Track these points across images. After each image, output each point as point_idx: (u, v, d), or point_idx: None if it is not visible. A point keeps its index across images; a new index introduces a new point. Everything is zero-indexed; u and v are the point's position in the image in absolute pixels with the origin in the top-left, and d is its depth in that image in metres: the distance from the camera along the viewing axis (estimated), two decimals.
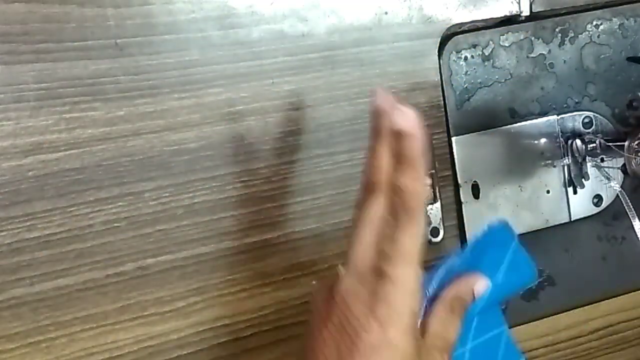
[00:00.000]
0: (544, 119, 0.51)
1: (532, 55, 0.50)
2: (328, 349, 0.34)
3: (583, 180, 0.51)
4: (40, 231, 0.41)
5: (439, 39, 0.47)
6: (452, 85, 0.49)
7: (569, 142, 0.51)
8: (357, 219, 0.34)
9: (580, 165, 0.51)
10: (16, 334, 0.42)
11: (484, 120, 0.50)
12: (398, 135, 0.34)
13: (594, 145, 0.50)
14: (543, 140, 0.51)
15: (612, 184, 0.50)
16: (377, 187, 0.34)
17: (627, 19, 0.51)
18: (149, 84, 0.42)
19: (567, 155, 0.51)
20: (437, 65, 0.48)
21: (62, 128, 0.41)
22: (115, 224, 0.43)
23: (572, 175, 0.51)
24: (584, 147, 0.50)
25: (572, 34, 0.50)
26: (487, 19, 0.48)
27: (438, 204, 0.49)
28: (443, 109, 0.48)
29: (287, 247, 0.47)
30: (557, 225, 0.52)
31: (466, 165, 0.50)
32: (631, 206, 0.49)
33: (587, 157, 0.50)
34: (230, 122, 0.44)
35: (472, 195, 0.50)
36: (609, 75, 0.52)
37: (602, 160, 0.51)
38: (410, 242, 0.33)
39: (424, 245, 0.33)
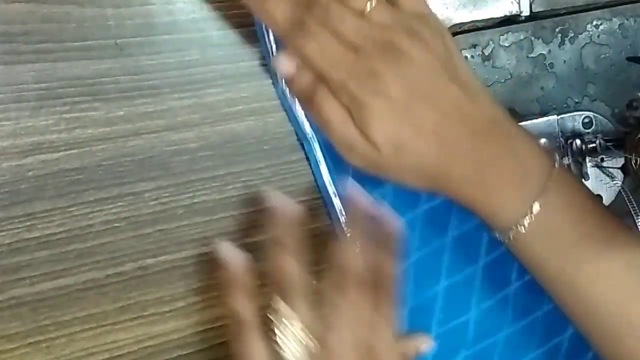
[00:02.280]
0: (544, 119, 0.51)
1: (532, 55, 0.50)
2: None
3: (583, 180, 0.51)
4: (40, 231, 0.41)
5: None
6: None
7: (569, 142, 0.51)
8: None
9: (580, 165, 0.50)
10: (16, 334, 0.42)
11: None
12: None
13: (594, 145, 0.50)
14: (543, 140, 0.51)
15: (615, 181, 0.50)
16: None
17: (627, 19, 0.51)
18: (149, 84, 0.42)
19: (568, 155, 0.51)
20: None
21: (62, 128, 0.41)
22: (115, 224, 0.43)
23: None
24: (584, 147, 0.50)
25: (572, 34, 0.50)
26: (487, 19, 0.48)
27: None
28: None
29: None
30: None
31: None
32: (634, 203, 0.49)
33: (587, 157, 0.50)
34: (230, 122, 0.44)
35: None
36: (609, 75, 0.52)
37: (602, 160, 0.51)
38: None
39: None
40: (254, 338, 0.37)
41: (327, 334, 0.37)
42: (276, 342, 0.36)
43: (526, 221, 0.38)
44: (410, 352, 0.46)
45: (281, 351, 0.36)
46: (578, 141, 0.50)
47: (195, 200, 0.44)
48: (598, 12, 0.51)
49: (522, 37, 0.49)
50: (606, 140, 0.50)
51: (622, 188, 0.50)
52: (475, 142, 0.37)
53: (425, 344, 0.47)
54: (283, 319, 0.36)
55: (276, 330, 0.37)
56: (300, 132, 0.44)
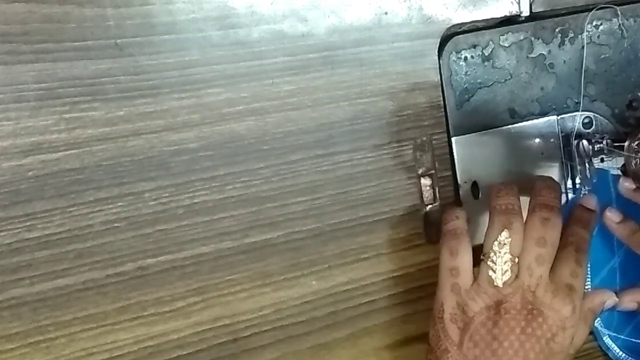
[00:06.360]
0: (544, 119, 0.51)
1: (532, 55, 0.50)
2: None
3: (593, 181, 0.51)
4: (40, 231, 0.42)
5: (439, 39, 0.47)
6: (452, 85, 0.49)
7: (575, 142, 0.51)
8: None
9: (587, 166, 0.50)
10: (16, 334, 0.42)
11: (484, 120, 0.50)
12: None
13: (601, 146, 0.50)
14: (543, 140, 0.51)
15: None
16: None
17: (627, 19, 0.51)
18: (149, 84, 0.42)
19: (574, 157, 0.51)
20: (437, 66, 0.48)
21: (62, 128, 0.41)
22: (115, 224, 0.43)
23: (580, 178, 0.51)
24: (590, 148, 0.50)
25: (572, 34, 0.50)
26: (487, 19, 0.48)
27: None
28: (443, 109, 0.48)
29: (287, 247, 0.47)
30: None
31: (466, 165, 0.50)
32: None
33: (592, 158, 0.50)
34: (230, 122, 0.44)
35: (472, 195, 0.50)
36: (609, 75, 0.52)
37: (602, 160, 0.51)
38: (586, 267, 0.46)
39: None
40: (466, 240, 0.44)
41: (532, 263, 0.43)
42: (487, 263, 0.43)
43: None
44: (596, 306, 0.49)
45: (490, 271, 0.43)
46: (585, 142, 0.50)
47: (195, 200, 0.44)
48: (598, 12, 0.50)
49: (522, 37, 0.49)
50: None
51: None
52: None
53: (611, 299, 0.50)
54: (500, 246, 0.43)
55: (490, 254, 0.43)
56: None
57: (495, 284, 0.43)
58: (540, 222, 0.43)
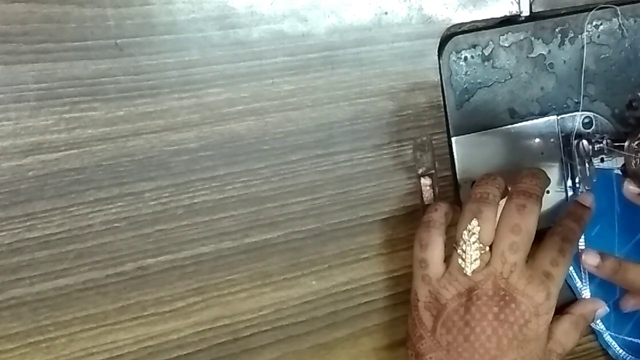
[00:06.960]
0: (544, 119, 0.51)
1: (532, 55, 0.50)
2: (495, 337, 0.42)
3: (592, 181, 0.51)
4: (40, 231, 0.42)
5: (438, 39, 0.47)
6: (452, 85, 0.49)
7: (575, 142, 0.51)
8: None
9: (587, 166, 0.50)
10: (16, 334, 0.42)
11: (484, 120, 0.50)
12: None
13: (601, 146, 0.50)
14: (543, 140, 0.51)
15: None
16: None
17: (627, 19, 0.51)
18: (149, 84, 0.42)
19: (574, 157, 0.51)
20: (437, 66, 0.48)
21: (62, 128, 0.41)
22: (115, 224, 0.43)
23: (580, 178, 0.51)
24: (590, 148, 0.50)
25: (572, 34, 0.50)
26: (487, 19, 0.48)
27: None
28: (443, 109, 0.48)
29: (287, 247, 0.47)
30: None
31: (466, 165, 0.50)
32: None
33: (592, 159, 0.50)
34: (230, 122, 0.44)
35: None
36: (609, 75, 0.52)
37: (602, 160, 0.51)
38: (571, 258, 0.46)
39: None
40: (438, 232, 0.44)
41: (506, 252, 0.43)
42: (457, 252, 0.43)
43: None
44: (589, 313, 0.50)
45: (460, 259, 0.43)
46: (585, 142, 0.50)
47: (195, 200, 0.44)
48: (598, 12, 0.51)
49: (522, 37, 0.49)
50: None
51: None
52: None
53: (602, 308, 0.51)
54: (469, 235, 0.43)
55: (460, 243, 0.43)
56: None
57: (464, 272, 0.43)
58: (516, 209, 0.43)
